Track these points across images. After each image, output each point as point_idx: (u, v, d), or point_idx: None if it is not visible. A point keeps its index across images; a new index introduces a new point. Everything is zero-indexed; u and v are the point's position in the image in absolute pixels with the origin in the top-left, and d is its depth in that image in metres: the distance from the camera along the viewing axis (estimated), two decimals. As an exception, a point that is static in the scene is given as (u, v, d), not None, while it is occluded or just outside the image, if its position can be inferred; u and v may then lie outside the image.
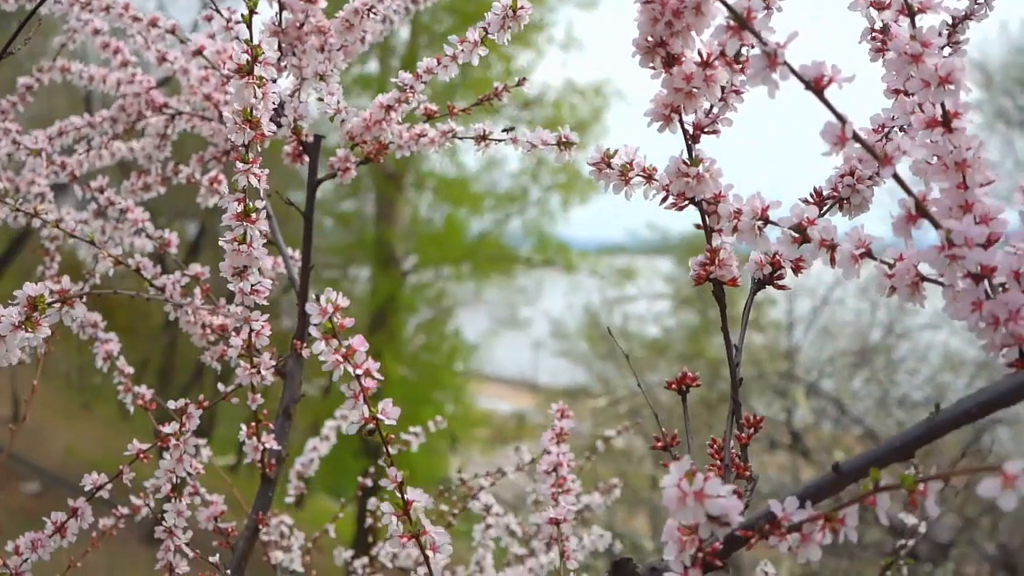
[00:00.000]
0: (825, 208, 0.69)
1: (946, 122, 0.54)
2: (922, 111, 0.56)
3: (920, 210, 0.51)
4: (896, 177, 0.51)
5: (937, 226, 0.51)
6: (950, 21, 0.69)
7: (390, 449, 0.66)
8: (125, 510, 1.11)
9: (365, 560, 1.49)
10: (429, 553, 0.64)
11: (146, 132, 1.21)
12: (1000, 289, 0.51)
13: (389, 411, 0.63)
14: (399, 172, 11.35)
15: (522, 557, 1.38)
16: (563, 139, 0.81)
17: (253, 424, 0.96)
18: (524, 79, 0.98)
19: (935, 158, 0.54)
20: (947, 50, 0.67)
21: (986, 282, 0.52)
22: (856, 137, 0.50)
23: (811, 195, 0.70)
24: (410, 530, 0.64)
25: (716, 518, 0.50)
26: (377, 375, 0.62)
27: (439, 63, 0.89)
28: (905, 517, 1.10)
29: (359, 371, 0.62)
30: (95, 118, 1.20)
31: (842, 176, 0.69)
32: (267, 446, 0.97)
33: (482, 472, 1.47)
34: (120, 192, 1.19)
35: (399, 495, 0.65)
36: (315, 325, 0.61)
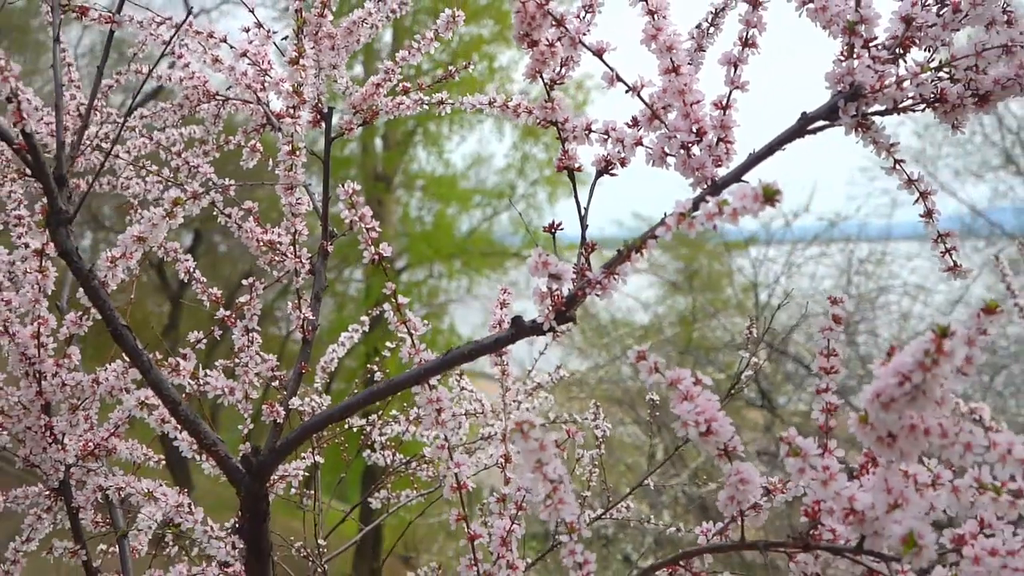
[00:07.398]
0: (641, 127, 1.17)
1: (675, 69, 1.01)
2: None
3: (655, 115, 0.99)
4: (643, 101, 0.99)
5: (662, 122, 0.99)
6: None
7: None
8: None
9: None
10: (412, 331, 1.12)
11: (203, 114, 1.68)
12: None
13: (386, 249, 1.11)
14: (388, 173, 11.82)
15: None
16: (492, 100, 1.29)
17: (296, 300, 1.44)
18: (468, 63, 1.46)
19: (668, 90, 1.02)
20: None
21: (695, 149, 1.00)
22: (619, 78, 0.98)
23: (632, 119, 1.17)
24: (400, 317, 1.12)
25: (555, 275, 0.97)
26: (378, 229, 1.10)
27: (410, 52, 1.38)
28: (757, 362, 1.57)
29: (368, 226, 1.09)
30: (166, 104, 1.68)
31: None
32: (306, 316, 1.44)
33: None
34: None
35: (394, 300, 1.12)
36: (341, 200, 1.09)
